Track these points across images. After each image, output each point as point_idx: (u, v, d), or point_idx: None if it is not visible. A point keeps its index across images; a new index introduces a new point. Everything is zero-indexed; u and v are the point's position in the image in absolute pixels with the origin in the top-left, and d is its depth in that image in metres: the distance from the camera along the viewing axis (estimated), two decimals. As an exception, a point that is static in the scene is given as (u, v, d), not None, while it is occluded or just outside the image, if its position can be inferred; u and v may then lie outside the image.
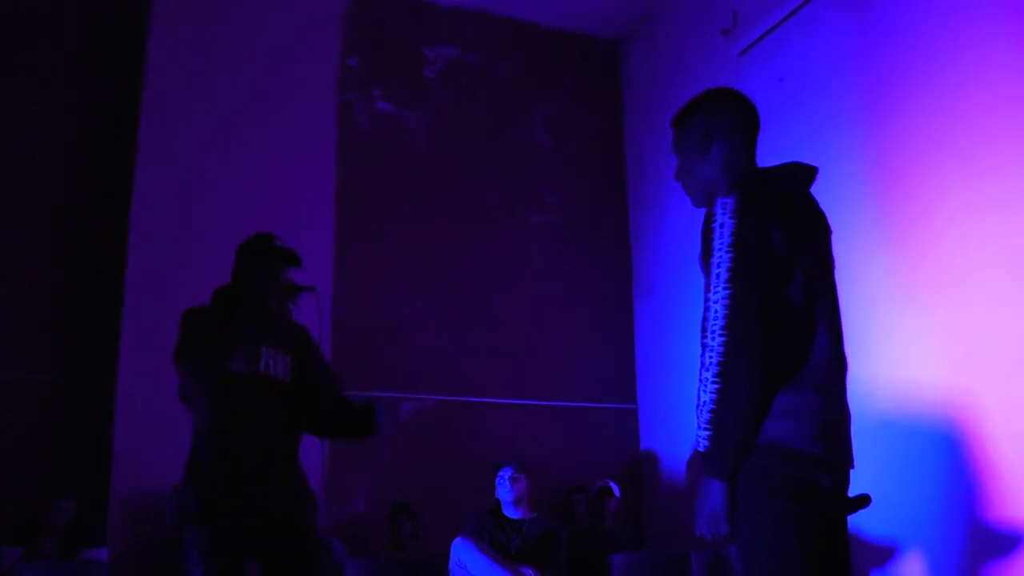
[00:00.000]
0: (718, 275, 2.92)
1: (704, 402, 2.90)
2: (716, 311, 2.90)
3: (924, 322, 6.27)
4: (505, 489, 6.75)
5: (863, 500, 3.20)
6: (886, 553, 6.39)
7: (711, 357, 2.89)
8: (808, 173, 3.32)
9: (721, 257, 2.93)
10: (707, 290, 2.97)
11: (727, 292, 2.88)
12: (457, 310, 8.73)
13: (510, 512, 6.75)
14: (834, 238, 3.33)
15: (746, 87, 8.00)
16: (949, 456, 6.00)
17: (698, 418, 2.94)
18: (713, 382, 2.87)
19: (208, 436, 4.31)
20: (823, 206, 3.33)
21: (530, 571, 6.31)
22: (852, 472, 3.15)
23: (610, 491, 7.90)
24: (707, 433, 2.90)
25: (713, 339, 2.89)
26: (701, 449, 2.94)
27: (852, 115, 7.05)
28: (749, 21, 8.06)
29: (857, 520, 6.29)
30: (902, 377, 6.37)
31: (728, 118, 3.36)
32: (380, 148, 8.82)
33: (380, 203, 8.63)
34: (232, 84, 7.88)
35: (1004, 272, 5.75)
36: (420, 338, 8.48)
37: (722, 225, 2.96)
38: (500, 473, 6.80)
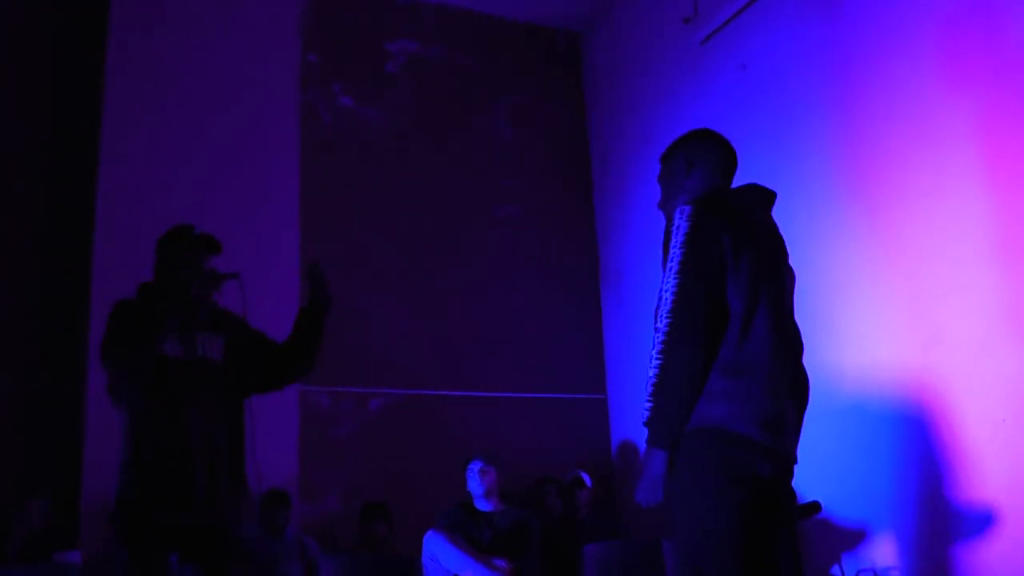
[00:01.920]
0: (670, 268, 3.28)
1: (648, 378, 3.20)
2: (665, 299, 3.23)
3: (890, 306, 6.31)
4: (475, 482, 6.76)
5: (814, 507, 3.49)
6: (856, 536, 6.43)
7: (657, 337, 3.21)
8: (766, 195, 3.64)
9: (674, 253, 3.28)
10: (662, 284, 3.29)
11: (675, 282, 3.24)
12: (424, 304, 8.72)
13: (481, 505, 6.76)
14: (791, 259, 3.65)
15: (708, 75, 8.13)
16: (917, 439, 6.04)
17: (644, 392, 3.23)
18: (656, 359, 3.18)
19: (143, 430, 4.29)
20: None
21: (502, 563, 6.32)
22: (796, 467, 3.44)
23: (582, 481, 7.92)
24: (649, 405, 3.19)
25: (660, 322, 3.22)
26: (644, 420, 3.21)
27: (814, 103, 7.08)
28: (710, 10, 8.08)
29: (828, 504, 6.34)
30: (869, 361, 6.41)
31: (708, 150, 3.69)
32: (343, 143, 8.79)
33: (345, 198, 8.61)
34: (193, 84, 7.85)
35: (969, 255, 5.79)
36: (388, 333, 8.46)
37: (678, 228, 3.33)
38: (470, 466, 6.81)
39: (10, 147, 7.81)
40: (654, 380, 3.17)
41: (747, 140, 7.43)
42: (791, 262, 3.70)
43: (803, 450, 6.50)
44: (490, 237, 9.20)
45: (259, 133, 8.01)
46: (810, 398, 3.62)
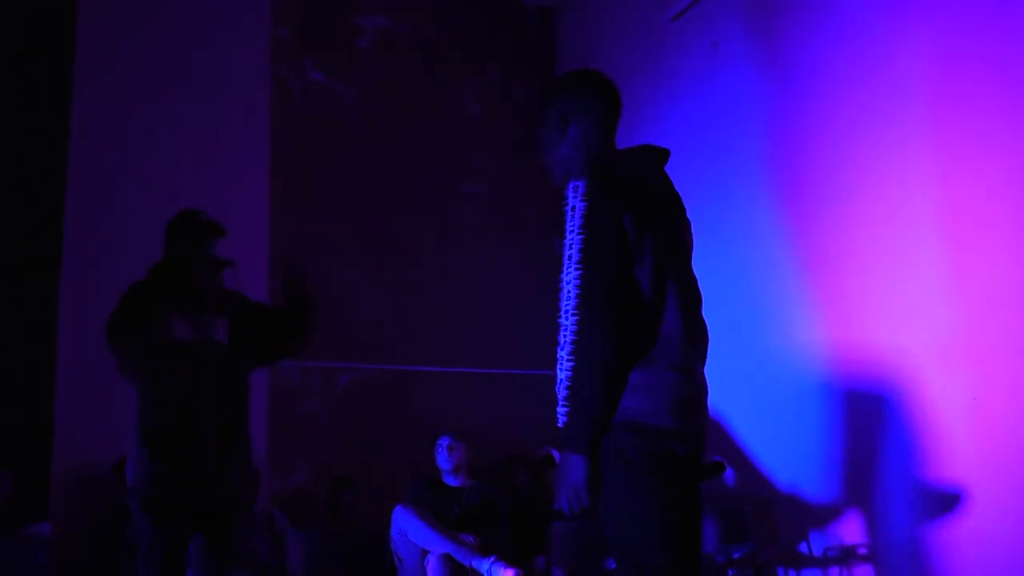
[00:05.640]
0: (570, 256, 3.02)
1: (560, 380, 2.99)
2: (569, 291, 2.99)
3: (859, 286, 6.34)
4: (443, 458, 6.79)
5: (718, 467, 3.34)
6: (824, 513, 6.47)
7: (565, 336, 2.98)
8: (660, 155, 3.35)
9: (573, 239, 3.02)
10: (561, 270, 3.05)
11: (578, 273, 2.97)
12: (393, 279, 8.72)
13: (450, 480, 6.79)
14: (692, 218, 3.38)
15: (679, 52, 8.12)
16: (886, 417, 6.08)
17: (557, 395, 3.01)
18: (568, 360, 2.96)
19: (156, 407, 4.41)
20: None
21: (470, 538, 6.33)
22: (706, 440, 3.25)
23: (552, 459, 7.92)
24: (565, 409, 2.98)
25: (567, 319, 2.98)
26: (560, 425, 3.00)
27: (785, 77, 7.09)
28: (682, -13, 8.08)
29: (797, 481, 6.40)
30: (838, 341, 6.45)
31: (585, 101, 3.38)
32: (314, 118, 8.76)
33: (315, 173, 8.58)
34: (162, 58, 7.78)
35: (940, 234, 5.83)
36: (357, 308, 8.45)
37: (573, 208, 3.05)
38: (438, 442, 6.83)
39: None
40: (568, 384, 2.95)
41: (717, 117, 7.49)
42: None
43: (773, 429, 6.56)
44: (459, 213, 9.19)
45: (229, 107, 7.95)
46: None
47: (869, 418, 6.22)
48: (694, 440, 3.14)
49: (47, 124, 7.74)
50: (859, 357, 6.30)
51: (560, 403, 2.99)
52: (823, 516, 6.48)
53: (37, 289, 7.46)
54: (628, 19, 8.87)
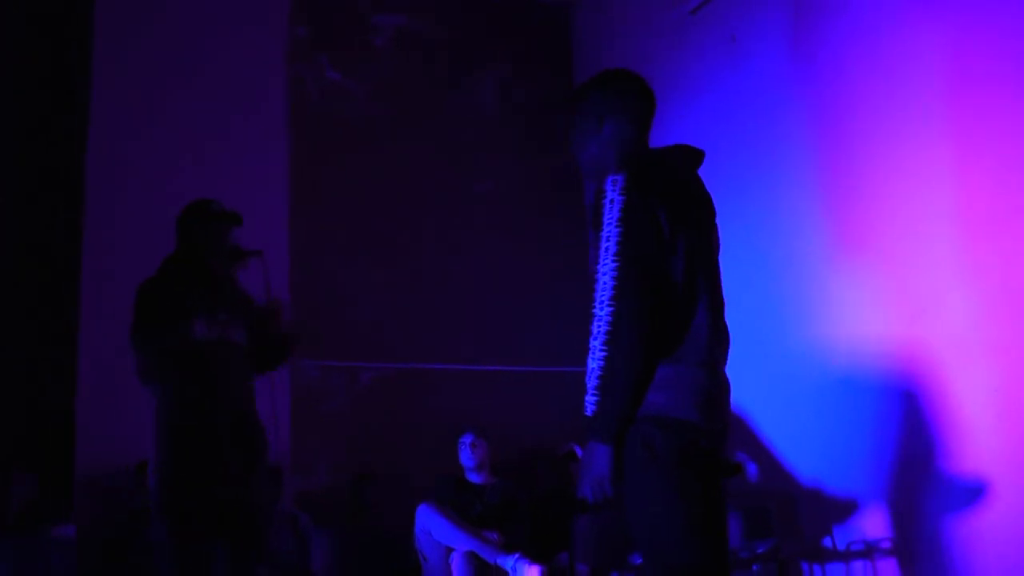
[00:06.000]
0: (607, 248, 3.09)
1: (592, 369, 3.08)
2: (604, 283, 3.07)
3: (879, 279, 6.31)
4: (466, 455, 6.80)
5: (736, 468, 3.42)
6: (847, 508, 6.45)
7: (599, 326, 3.06)
8: (695, 156, 3.46)
9: (610, 232, 3.09)
10: (596, 261, 3.12)
11: (615, 265, 3.05)
12: (413, 277, 8.70)
13: (472, 478, 6.80)
14: (718, 219, 3.46)
15: (698, 46, 8.10)
16: (909, 411, 6.06)
17: (586, 384, 3.10)
18: (601, 350, 3.05)
19: (178, 410, 4.35)
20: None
21: (494, 535, 6.34)
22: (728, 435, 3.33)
23: (575, 455, 7.92)
24: (594, 399, 3.07)
25: (601, 309, 3.06)
26: (588, 414, 3.10)
27: (804, 71, 7.07)
28: (700, -20, 8.06)
29: (820, 476, 6.38)
30: (859, 334, 6.42)
31: (620, 99, 3.49)
32: (330, 117, 8.75)
33: (333, 172, 8.57)
34: (179, 55, 7.79)
35: (959, 226, 5.81)
36: (377, 306, 8.45)
37: (612, 201, 3.12)
38: (461, 439, 6.85)
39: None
40: (600, 373, 3.05)
41: (736, 112, 7.47)
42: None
43: (796, 424, 6.54)
44: (477, 210, 9.18)
45: (247, 107, 7.96)
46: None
47: (891, 411, 6.20)
48: (717, 436, 3.20)
49: (64, 125, 7.74)
50: (880, 350, 6.28)
51: (589, 392, 3.08)
52: (846, 510, 6.46)
53: (58, 291, 7.46)
54: (645, 14, 8.83)
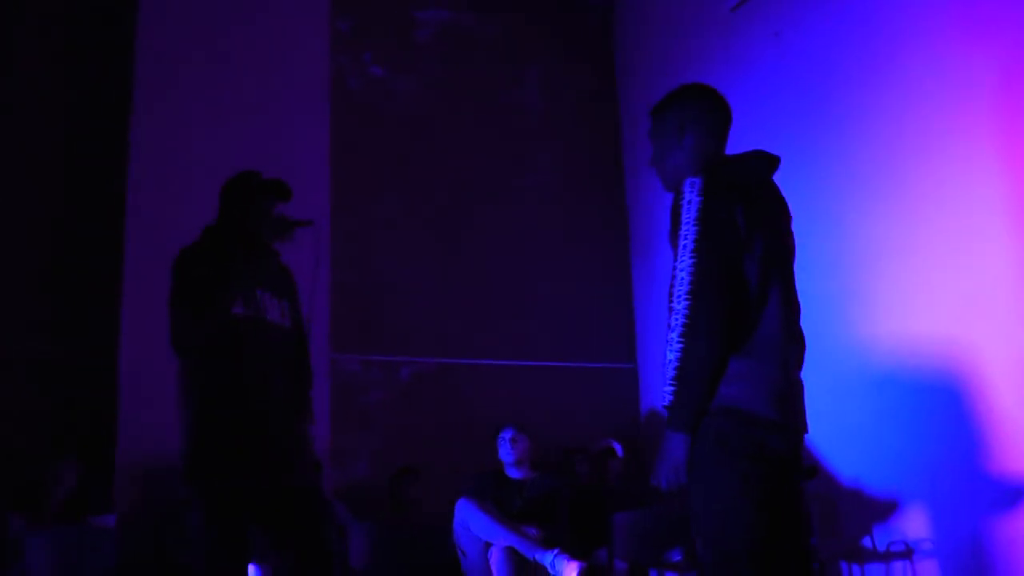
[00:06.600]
0: (684, 246, 3.21)
1: (669, 361, 3.17)
2: (682, 278, 3.18)
3: (924, 277, 6.28)
4: (506, 450, 6.80)
5: (811, 471, 3.51)
6: (888, 508, 6.42)
7: (677, 320, 3.16)
8: (771, 161, 3.58)
9: (688, 230, 3.22)
10: (675, 259, 3.25)
11: (692, 261, 3.18)
12: (454, 272, 8.72)
13: (512, 473, 6.80)
14: (794, 225, 3.60)
15: (739, 43, 8.07)
16: (951, 410, 6.02)
17: (665, 375, 3.19)
18: (678, 342, 3.15)
19: (215, 386, 4.16)
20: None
21: (533, 530, 6.33)
22: (806, 436, 3.47)
23: (613, 451, 7.92)
24: (671, 389, 3.16)
25: (679, 303, 3.17)
26: (666, 404, 3.19)
27: (849, 68, 7.03)
28: (742, -24, 8.03)
29: (860, 476, 6.35)
30: (903, 332, 6.39)
31: (701, 111, 3.64)
32: (373, 112, 8.77)
33: (375, 167, 8.60)
34: (222, 50, 7.82)
35: (1006, 223, 5.76)
36: (418, 301, 8.47)
37: (690, 202, 3.25)
38: (500, 435, 6.84)
39: (39, 110, 7.79)
40: (676, 364, 3.14)
41: (780, 109, 7.44)
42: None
43: (837, 423, 6.52)
44: (520, 206, 9.18)
45: (289, 101, 7.98)
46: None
47: (933, 411, 6.16)
48: (793, 435, 3.33)
49: (106, 120, 7.77)
50: (923, 350, 6.24)
51: (667, 383, 3.17)
52: (887, 511, 6.43)
53: (100, 279, 7.49)
54: (688, 10, 8.81)
